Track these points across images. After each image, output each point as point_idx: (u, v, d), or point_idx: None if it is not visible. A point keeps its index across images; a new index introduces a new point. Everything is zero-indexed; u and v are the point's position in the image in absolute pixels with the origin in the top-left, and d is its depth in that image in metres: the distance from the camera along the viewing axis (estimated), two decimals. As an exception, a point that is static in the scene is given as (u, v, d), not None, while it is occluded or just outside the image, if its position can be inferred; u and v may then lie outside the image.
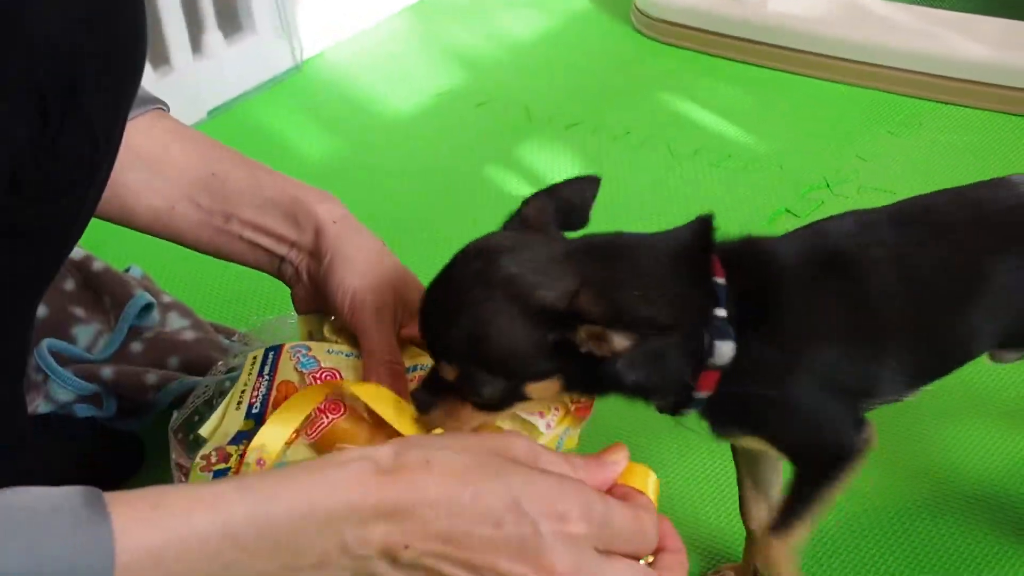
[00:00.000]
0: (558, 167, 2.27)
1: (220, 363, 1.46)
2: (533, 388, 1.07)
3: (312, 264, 1.33)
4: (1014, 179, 1.24)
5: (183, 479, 1.40)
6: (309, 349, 1.25)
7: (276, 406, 1.21)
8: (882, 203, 1.24)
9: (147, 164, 1.31)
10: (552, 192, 1.14)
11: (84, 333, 1.67)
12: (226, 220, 1.33)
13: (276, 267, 1.36)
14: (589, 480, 0.97)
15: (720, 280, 1.12)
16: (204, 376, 1.48)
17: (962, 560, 1.45)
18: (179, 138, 1.34)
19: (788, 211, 2.04)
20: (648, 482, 1.03)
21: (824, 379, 1.17)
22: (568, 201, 1.14)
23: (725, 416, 1.19)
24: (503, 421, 1.15)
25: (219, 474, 1.18)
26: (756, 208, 2.08)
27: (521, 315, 1.03)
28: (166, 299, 1.75)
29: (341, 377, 1.24)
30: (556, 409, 1.17)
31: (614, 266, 1.08)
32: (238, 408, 1.24)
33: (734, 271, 1.13)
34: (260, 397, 1.23)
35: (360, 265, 1.28)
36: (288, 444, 1.19)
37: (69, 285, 1.72)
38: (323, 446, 1.18)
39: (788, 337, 1.16)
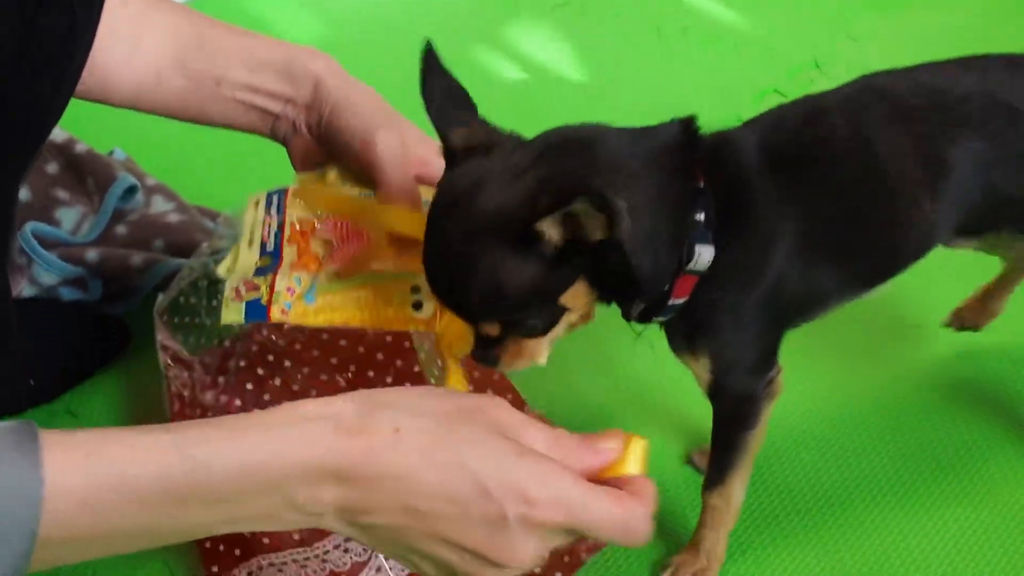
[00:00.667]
0: (545, 49, 2.24)
1: (205, 245, 1.46)
2: (567, 299, 1.06)
3: (311, 117, 1.33)
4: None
5: (168, 362, 1.41)
6: None
7: (291, 242, 1.22)
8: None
9: (129, 36, 1.29)
10: (440, 110, 1.11)
11: (68, 216, 1.66)
12: (217, 84, 1.32)
13: (270, 127, 1.36)
14: (573, 463, 0.91)
15: (700, 185, 1.12)
16: (189, 258, 1.48)
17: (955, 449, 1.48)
18: (160, 8, 1.32)
19: (776, 91, 2.02)
20: (634, 449, 0.95)
21: (780, 290, 1.16)
22: (452, 106, 1.11)
23: (685, 328, 1.18)
24: None
25: (252, 304, 1.20)
26: (744, 89, 2.06)
27: (514, 246, 1.01)
28: (150, 182, 1.74)
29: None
30: None
31: (587, 162, 1.05)
32: (250, 247, 1.25)
33: (713, 175, 1.12)
34: (272, 234, 1.24)
35: (366, 109, 1.29)
36: (314, 273, 1.20)
37: (52, 168, 1.71)
38: (351, 271, 1.21)
39: (759, 243, 1.15)
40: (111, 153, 1.79)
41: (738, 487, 1.27)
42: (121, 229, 1.67)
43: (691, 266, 1.11)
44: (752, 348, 1.20)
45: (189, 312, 1.49)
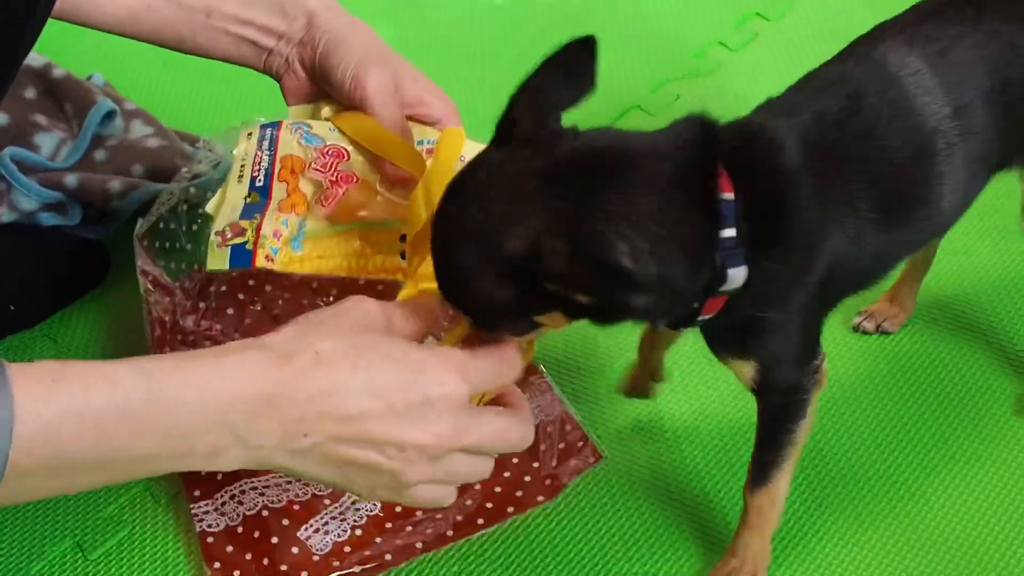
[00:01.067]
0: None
1: (184, 170, 1.46)
2: (543, 319, 1.00)
3: (305, 52, 1.32)
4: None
5: (149, 287, 1.41)
6: (311, 127, 1.26)
7: (281, 180, 1.21)
8: (819, 32, 1.15)
9: None
10: (530, 87, 0.99)
11: (47, 141, 1.65)
12: (207, 15, 1.31)
13: (262, 61, 1.35)
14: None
15: (728, 196, 1.01)
16: (169, 183, 1.47)
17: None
18: None
19: (722, 44, 1.97)
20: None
21: (826, 289, 1.11)
22: (550, 89, 1.00)
23: (721, 336, 1.14)
24: None
25: (237, 250, 1.19)
26: (688, 41, 1.99)
27: (493, 269, 0.95)
28: (129, 106, 1.73)
29: (348, 154, 1.25)
30: None
31: (590, 193, 0.95)
32: (240, 181, 1.25)
33: (743, 180, 1.01)
34: (263, 170, 1.24)
35: (359, 45, 1.28)
36: (302, 216, 1.20)
37: (30, 93, 1.70)
38: (340, 216, 1.20)
39: (798, 255, 1.07)
40: (90, 78, 1.77)
41: (783, 485, 1.21)
42: (100, 154, 1.66)
43: (723, 288, 1.02)
44: (796, 343, 1.14)
45: (169, 237, 1.49)
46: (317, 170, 1.24)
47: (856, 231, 1.09)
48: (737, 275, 1.02)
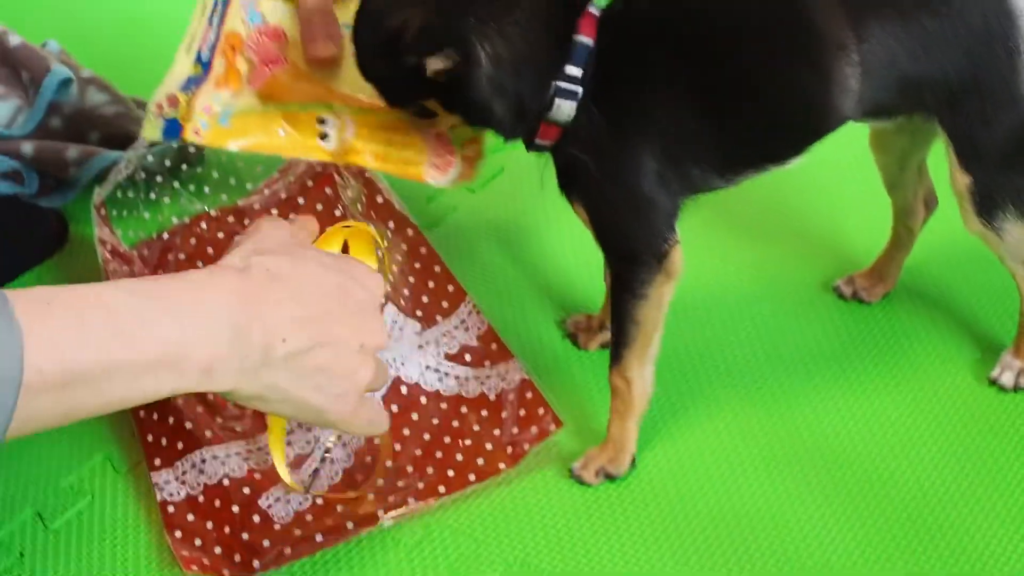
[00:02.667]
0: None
1: (142, 137, 1.44)
2: (430, 105, 1.19)
3: None
4: None
5: (107, 256, 1.40)
6: (257, 3, 1.28)
7: (223, 55, 1.23)
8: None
9: None
10: None
11: (3, 109, 1.64)
12: None
13: None
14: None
15: (585, 39, 1.17)
16: (126, 151, 1.46)
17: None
18: None
19: None
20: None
21: (652, 157, 1.19)
22: None
23: (565, 174, 1.24)
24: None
25: (170, 123, 1.21)
26: None
27: (379, 46, 1.17)
28: (85, 74, 1.71)
29: (286, 35, 1.28)
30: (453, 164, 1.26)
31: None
32: (187, 53, 1.26)
33: (605, 34, 1.17)
34: (209, 44, 1.25)
35: None
36: (235, 92, 1.23)
37: (-16, 61, 1.68)
38: (267, 96, 1.24)
39: (621, 105, 1.18)
40: (44, 45, 1.75)
41: (636, 367, 1.26)
42: (56, 122, 1.65)
43: (551, 116, 1.18)
44: (624, 204, 1.21)
45: (127, 206, 1.48)
46: (251, 48, 1.26)
47: (679, 106, 1.19)
48: (564, 107, 1.17)
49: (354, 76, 1.23)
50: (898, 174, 1.42)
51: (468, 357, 1.40)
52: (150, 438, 1.32)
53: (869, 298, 1.51)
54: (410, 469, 1.30)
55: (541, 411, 1.35)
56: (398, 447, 1.32)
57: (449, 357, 1.40)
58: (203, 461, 1.30)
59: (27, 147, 1.58)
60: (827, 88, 1.18)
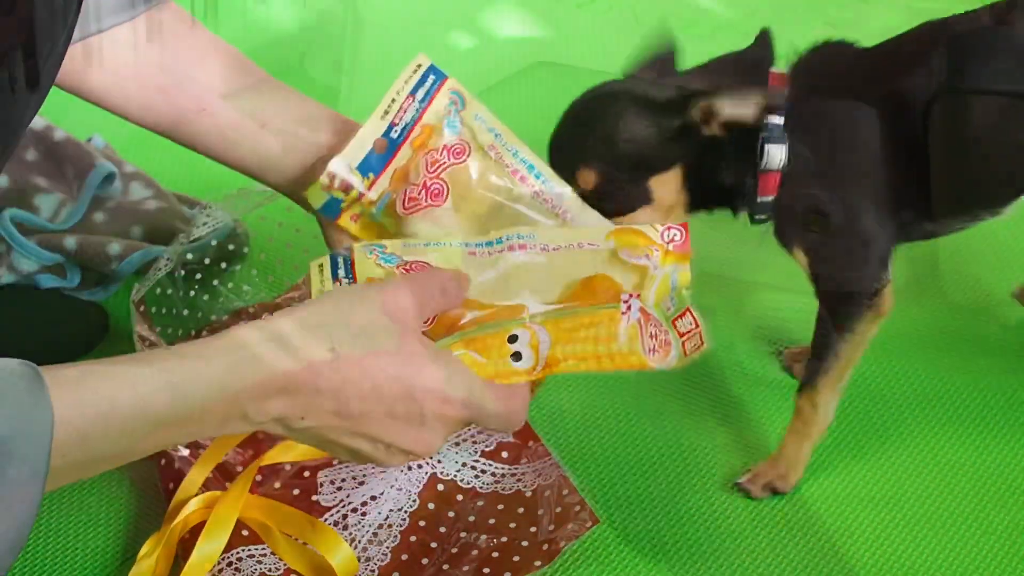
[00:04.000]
0: (517, 33, 2.24)
1: (182, 234, 1.46)
2: (656, 181, 1.24)
3: None
4: None
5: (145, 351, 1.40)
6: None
7: (411, 145, 1.17)
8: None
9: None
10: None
11: (47, 203, 1.66)
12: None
13: None
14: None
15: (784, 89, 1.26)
16: (167, 246, 1.48)
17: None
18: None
19: None
20: None
21: (872, 197, 1.25)
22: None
23: (784, 222, 1.29)
24: (615, 271, 1.08)
25: (332, 201, 1.18)
26: None
27: (642, 109, 1.23)
28: (128, 169, 1.74)
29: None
30: (656, 249, 1.08)
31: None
32: (382, 118, 1.17)
33: (797, 82, 1.27)
34: (404, 122, 1.16)
35: None
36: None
37: (31, 155, 1.71)
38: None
39: (835, 145, 1.26)
40: (90, 140, 1.78)
41: (826, 394, 1.31)
42: (99, 216, 1.67)
43: (764, 164, 1.24)
44: (846, 243, 1.27)
45: (166, 303, 1.49)
46: (427, 170, 1.17)
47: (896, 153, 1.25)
48: (775, 151, 1.24)
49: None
50: None
51: (505, 455, 1.40)
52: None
53: None
54: (446, 567, 1.30)
55: (578, 508, 1.34)
56: (434, 545, 1.32)
57: (486, 455, 1.40)
58: (239, 559, 1.30)
59: (70, 241, 1.60)
60: None
